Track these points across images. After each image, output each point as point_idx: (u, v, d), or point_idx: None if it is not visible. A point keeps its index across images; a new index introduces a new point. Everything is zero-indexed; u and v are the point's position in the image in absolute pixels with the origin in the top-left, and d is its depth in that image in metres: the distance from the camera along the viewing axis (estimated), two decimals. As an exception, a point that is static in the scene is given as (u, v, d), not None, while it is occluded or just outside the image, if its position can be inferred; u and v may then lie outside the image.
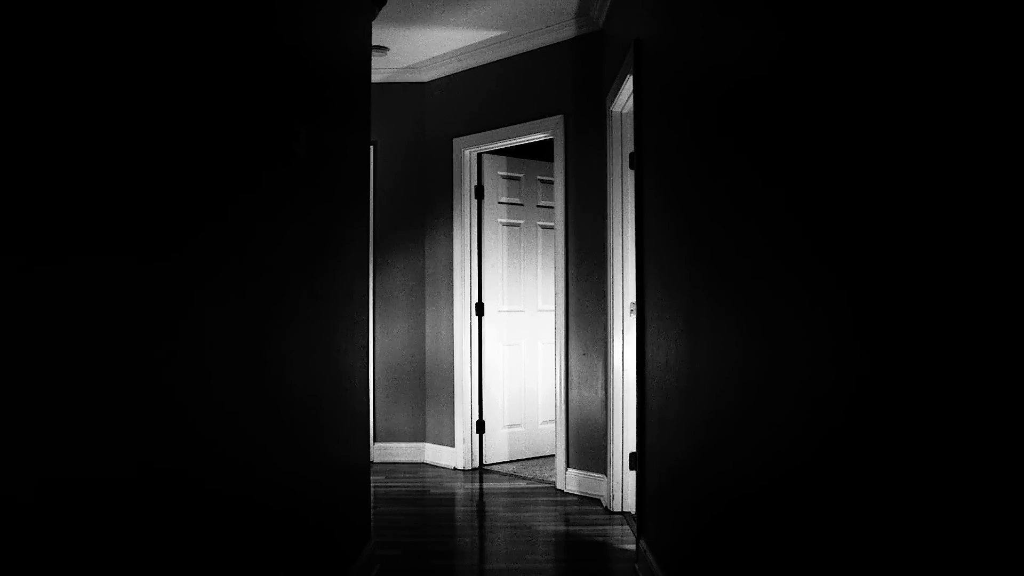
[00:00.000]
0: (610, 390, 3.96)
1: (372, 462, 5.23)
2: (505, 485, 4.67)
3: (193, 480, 1.41)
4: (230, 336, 1.59)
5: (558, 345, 4.47)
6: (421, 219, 5.29)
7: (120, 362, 1.15)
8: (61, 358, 1.01)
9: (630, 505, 3.92)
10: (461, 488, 4.63)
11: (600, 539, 3.56)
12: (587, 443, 4.31)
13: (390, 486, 4.63)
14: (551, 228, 5.40)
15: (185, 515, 1.38)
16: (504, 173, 5.25)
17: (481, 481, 4.79)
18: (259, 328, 1.78)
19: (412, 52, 4.92)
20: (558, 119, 4.51)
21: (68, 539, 1.02)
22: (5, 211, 0.91)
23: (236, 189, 1.62)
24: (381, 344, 5.26)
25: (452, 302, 5.09)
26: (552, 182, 5.40)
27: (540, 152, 5.67)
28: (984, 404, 0.84)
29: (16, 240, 0.93)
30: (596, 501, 4.20)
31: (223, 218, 1.55)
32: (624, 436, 3.94)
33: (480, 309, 5.10)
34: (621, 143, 3.97)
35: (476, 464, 5.11)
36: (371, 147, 4.91)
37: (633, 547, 3.39)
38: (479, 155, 5.12)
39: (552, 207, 5.42)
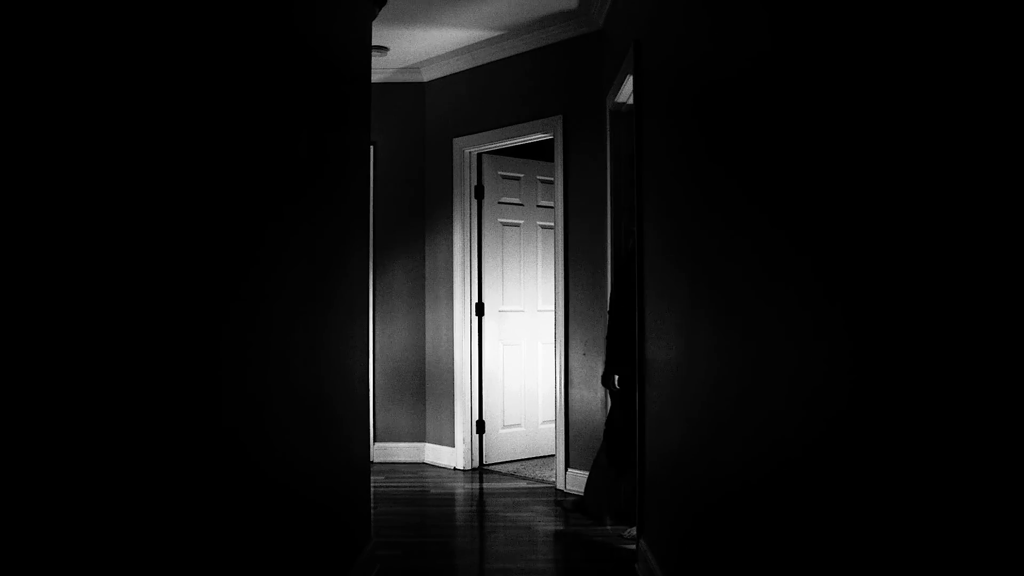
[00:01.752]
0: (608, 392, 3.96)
1: (372, 462, 5.23)
2: (505, 485, 4.67)
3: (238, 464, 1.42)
4: (263, 345, 1.59)
5: (558, 345, 4.48)
6: (421, 219, 5.29)
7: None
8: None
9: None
10: (461, 488, 4.63)
11: (600, 539, 3.56)
12: (587, 443, 4.30)
13: (390, 486, 4.63)
14: (551, 228, 5.39)
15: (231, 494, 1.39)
16: (504, 173, 5.25)
17: (481, 481, 4.79)
18: (284, 336, 1.78)
19: (412, 52, 4.92)
20: (558, 119, 4.51)
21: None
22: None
23: (260, 210, 1.62)
24: (381, 344, 5.26)
25: (452, 302, 5.10)
26: (552, 182, 5.40)
27: (540, 152, 5.67)
28: (964, 402, 0.84)
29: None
30: (596, 501, 4.21)
31: (257, 240, 1.55)
32: (624, 436, 3.94)
33: (480, 309, 5.10)
34: (621, 143, 3.97)
35: (476, 464, 5.11)
36: (371, 147, 4.91)
37: (633, 547, 3.39)
38: (479, 155, 5.12)
39: (552, 207, 5.42)
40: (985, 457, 0.84)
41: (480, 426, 5.10)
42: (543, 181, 5.40)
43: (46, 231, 0.98)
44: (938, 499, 0.93)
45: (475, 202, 5.12)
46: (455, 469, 5.07)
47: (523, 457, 5.26)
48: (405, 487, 4.62)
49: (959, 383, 0.88)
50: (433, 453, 5.22)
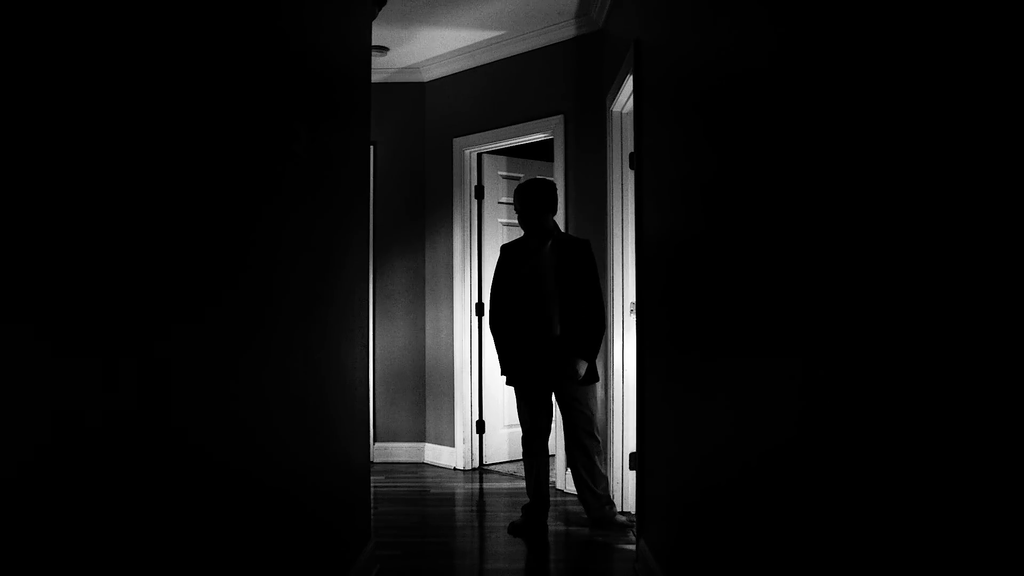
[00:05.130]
0: (610, 390, 3.96)
1: (372, 462, 5.23)
2: (505, 485, 4.67)
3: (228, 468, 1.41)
4: (261, 346, 1.59)
5: (558, 345, 4.47)
6: (421, 219, 5.29)
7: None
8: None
9: (630, 505, 3.92)
10: (461, 488, 4.63)
11: (600, 539, 3.56)
12: (587, 443, 4.30)
13: (390, 486, 4.63)
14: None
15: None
16: (504, 173, 5.25)
17: (481, 481, 4.79)
18: (283, 336, 1.78)
19: (412, 52, 4.92)
20: (558, 119, 4.51)
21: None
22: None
23: (257, 209, 1.62)
24: (381, 344, 5.26)
25: (452, 302, 5.10)
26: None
27: (540, 152, 5.68)
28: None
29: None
30: (596, 501, 4.20)
31: (254, 239, 1.55)
32: (624, 436, 3.94)
33: (480, 309, 5.10)
34: (621, 143, 3.97)
35: (476, 464, 5.11)
36: (371, 147, 4.91)
37: (633, 547, 3.39)
38: (479, 155, 5.12)
39: (552, 207, 5.42)
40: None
41: (480, 426, 5.10)
42: (543, 181, 5.40)
43: (38, 236, 0.98)
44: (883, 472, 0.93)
45: (475, 202, 5.12)
46: (455, 469, 5.07)
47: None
48: (405, 487, 4.62)
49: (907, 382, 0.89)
50: (433, 453, 5.22)
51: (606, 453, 4.07)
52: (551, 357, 3.61)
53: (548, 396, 3.69)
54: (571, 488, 4.37)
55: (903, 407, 1.00)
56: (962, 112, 0.88)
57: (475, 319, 5.08)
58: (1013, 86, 0.79)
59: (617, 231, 3.97)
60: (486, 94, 4.94)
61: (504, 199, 5.24)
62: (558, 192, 3.74)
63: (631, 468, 3.80)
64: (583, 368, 3.56)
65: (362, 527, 2.93)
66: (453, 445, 5.11)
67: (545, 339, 3.62)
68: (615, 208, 3.99)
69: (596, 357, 3.64)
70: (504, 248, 3.83)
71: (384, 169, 5.29)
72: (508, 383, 3.76)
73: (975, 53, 0.86)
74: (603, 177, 4.16)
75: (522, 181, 4.16)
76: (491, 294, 3.80)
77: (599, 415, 4.21)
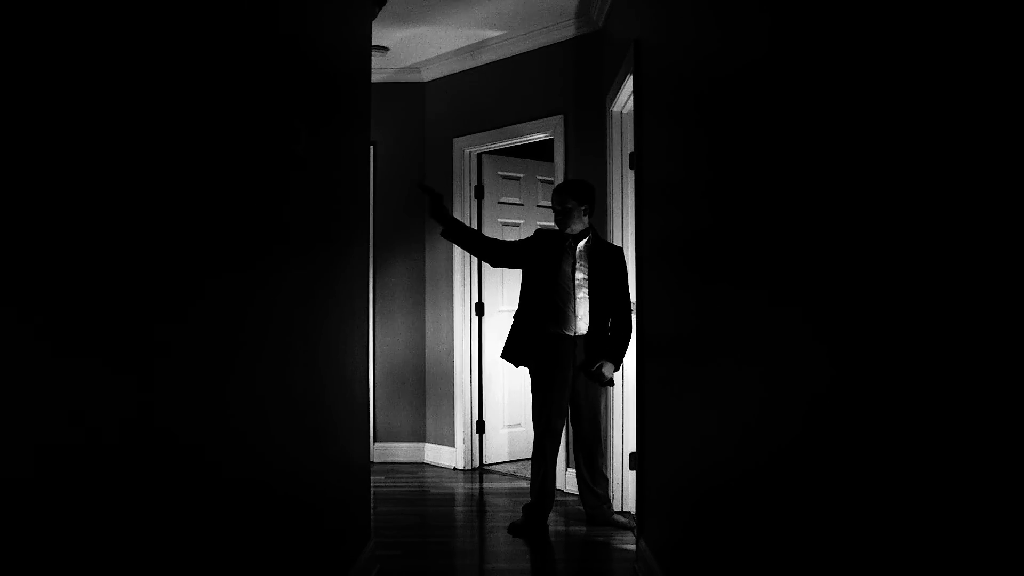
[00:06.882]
0: (610, 390, 3.96)
1: (372, 462, 5.22)
2: (505, 485, 4.67)
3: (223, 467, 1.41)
4: (260, 348, 1.59)
5: (558, 345, 4.46)
6: (421, 219, 5.28)
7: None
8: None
9: (630, 505, 3.92)
10: (461, 488, 4.63)
11: (600, 539, 3.56)
12: (587, 443, 4.30)
13: (390, 486, 4.63)
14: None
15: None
16: (504, 173, 5.25)
17: (481, 481, 4.79)
18: (282, 338, 1.78)
19: (412, 52, 4.92)
20: (558, 119, 4.51)
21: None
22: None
23: (257, 208, 1.62)
24: (381, 344, 5.26)
25: (452, 302, 5.09)
26: (552, 182, 5.39)
27: (540, 152, 5.67)
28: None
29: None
30: (596, 501, 4.20)
31: (253, 238, 1.55)
32: (624, 436, 3.94)
33: (480, 309, 5.10)
34: (621, 143, 3.97)
35: (476, 464, 5.11)
36: (371, 147, 4.91)
37: (633, 547, 3.39)
38: (479, 155, 5.12)
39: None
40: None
41: (480, 426, 5.10)
42: (543, 181, 5.40)
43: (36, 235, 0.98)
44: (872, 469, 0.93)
45: (475, 202, 5.12)
46: (455, 469, 5.07)
47: (523, 457, 5.25)
48: (405, 487, 4.62)
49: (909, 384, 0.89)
50: (433, 453, 5.22)
51: (606, 453, 4.07)
52: (576, 355, 3.65)
53: (567, 397, 3.69)
54: (571, 488, 4.37)
55: (902, 409, 1.01)
56: (960, 119, 0.88)
57: (475, 319, 5.08)
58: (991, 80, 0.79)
59: (617, 231, 3.97)
60: (486, 94, 4.94)
61: (504, 199, 5.24)
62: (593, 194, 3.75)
63: (631, 468, 3.80)
64: (609, 371, 3.61)
65: (362, 527, 2.93)
66: (453, 445, 5.11)
67: (570, 337, 3.65)
68: (615, 208, 3.99)
69: (621, 362, 3.71)
70: (539, 232, 3.85)
71: (384, 169, 5.29)
72: (505, 357, 3.79)
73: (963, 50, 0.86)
74: (603, 177, 4.15)
75: (558, 183, 4.22)
76: (505, 245, 3.78)
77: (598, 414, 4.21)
